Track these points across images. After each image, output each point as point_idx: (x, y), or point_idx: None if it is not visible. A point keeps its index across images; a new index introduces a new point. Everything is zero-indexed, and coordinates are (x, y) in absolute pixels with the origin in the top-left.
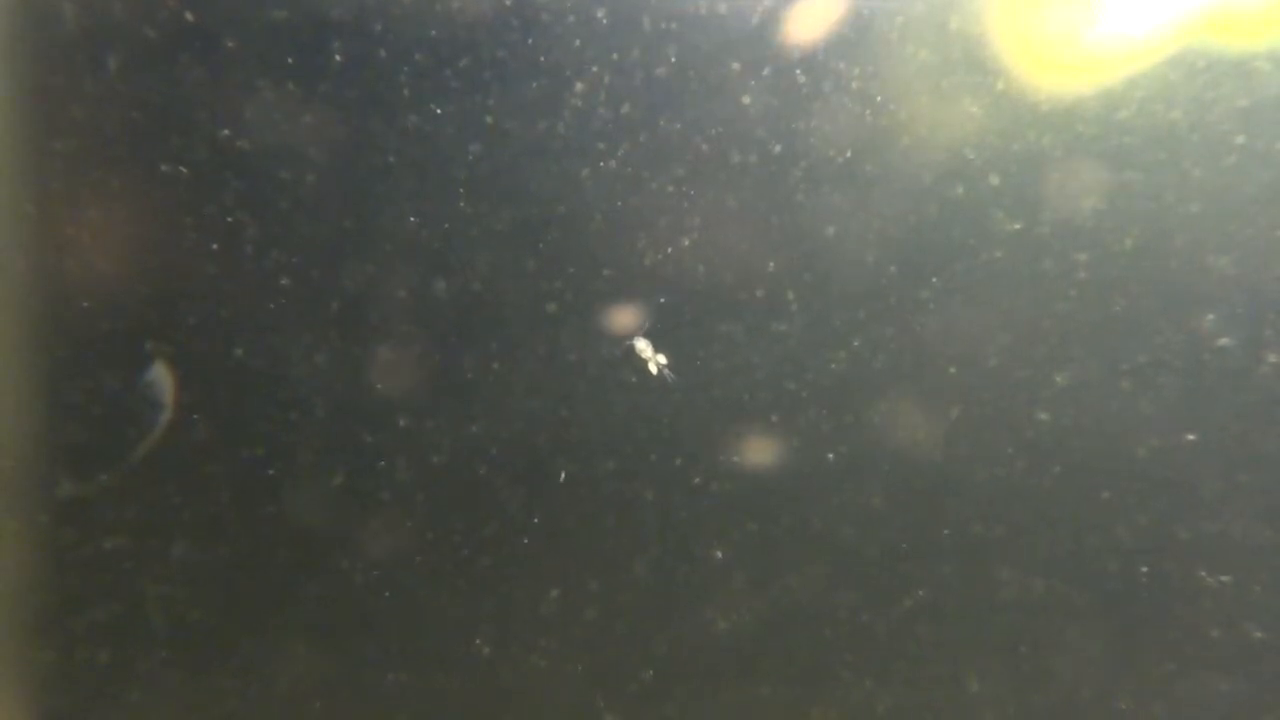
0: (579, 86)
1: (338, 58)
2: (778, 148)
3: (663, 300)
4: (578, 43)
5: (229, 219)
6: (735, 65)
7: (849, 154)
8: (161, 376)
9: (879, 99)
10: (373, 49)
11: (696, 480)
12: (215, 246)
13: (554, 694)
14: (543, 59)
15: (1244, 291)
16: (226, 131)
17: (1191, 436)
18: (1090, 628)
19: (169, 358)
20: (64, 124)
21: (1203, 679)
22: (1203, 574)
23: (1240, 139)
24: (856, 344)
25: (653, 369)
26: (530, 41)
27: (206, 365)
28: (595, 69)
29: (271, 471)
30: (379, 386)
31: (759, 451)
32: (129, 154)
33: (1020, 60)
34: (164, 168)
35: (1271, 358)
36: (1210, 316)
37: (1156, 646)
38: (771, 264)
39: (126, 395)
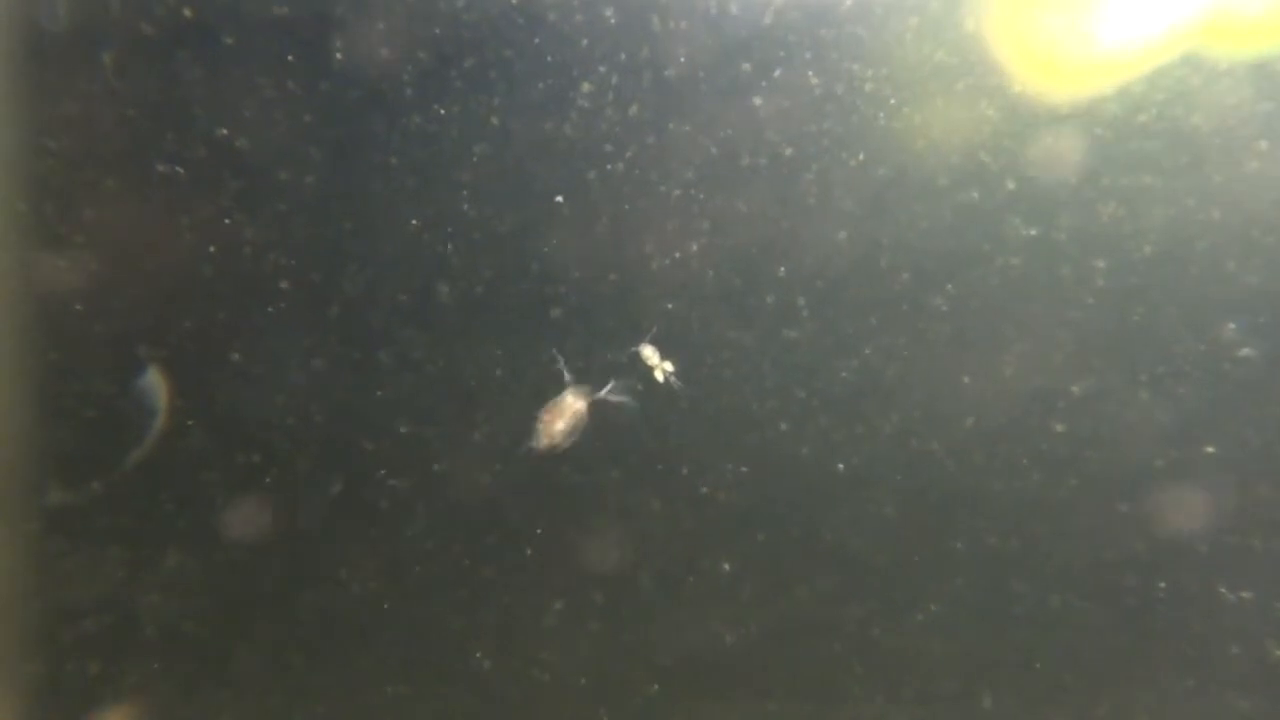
0: (586, 87)
1: (339, 56)
2: (789, 150)
3: (670, 306)
4: (585, 42)
5: (226, 220)
6: (746, 66)
7: (862, 157)
8: (155, 382)
9: (893, 102)
10: (375, 48)
11: (704, 490)
12: (212, 249)
13: (556, 708)
14: (549, 59)
15: (1267, 300)
16: (224, 131)
17: (1211, 449)
18: (1107, 643)
19: (163, 362)
20: (58, 121)
21: (1223, 697)
22: (1223, 590)
23: (1264, 144)
24: (868, 351)
25: (659, 376)
26: (536, 41)
27: (202, 370)
28: (603, 69)
29: (268, 479)
30: (379, 392)
31: (768, 461)
32: (124, 153)
33: (1038, 62)
34: (160, 167)
35: None
36: (1232, 325)
37: (1175, 663)
38: (782, 269)
39: (119, 401)
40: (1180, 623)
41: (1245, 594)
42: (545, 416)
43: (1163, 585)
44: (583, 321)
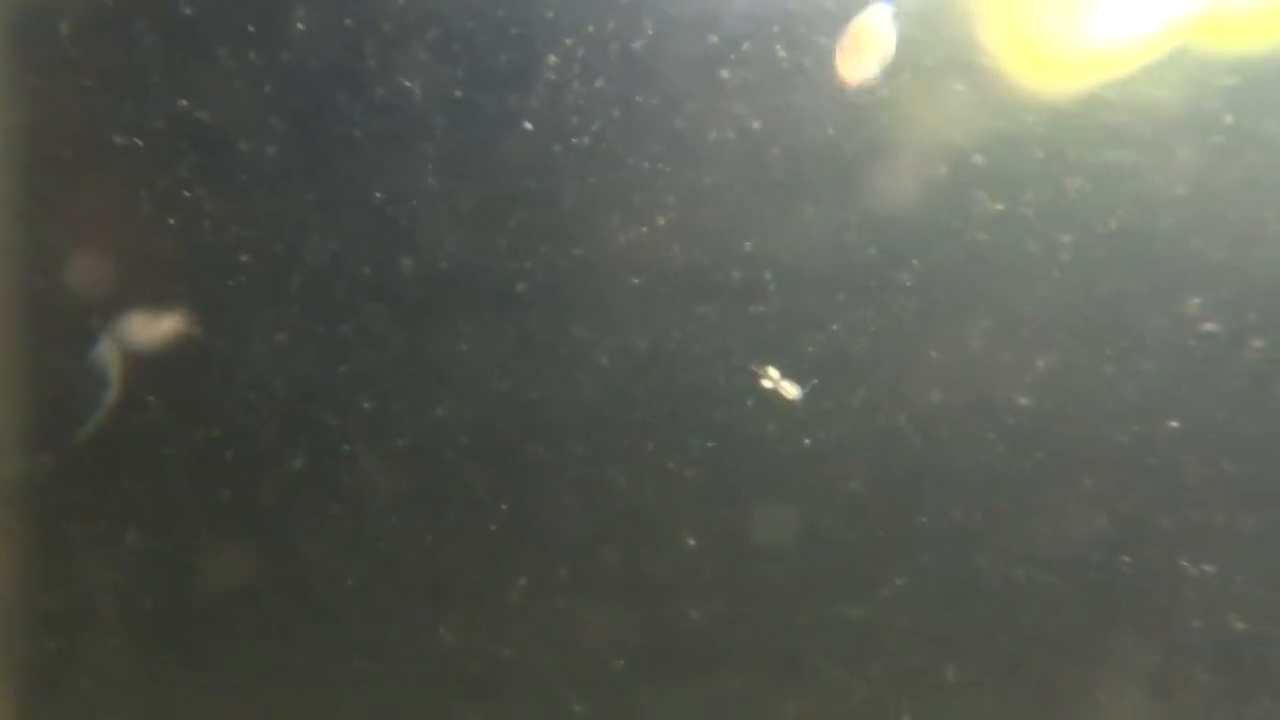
0: (552, 59)
1: (301, 26)
2: (756, 124)
3: (636, 281)
4: (550, 14)
5: (185, 193)
6: (714, 38)
7: (830, 131)
8: (109, 354)
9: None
10: (338, 19)
11: (670, 466)
12: (171, 221)
13: (521, 685)
14: (514, 30)
15: (1230, 276)
16: (184, 102)
17: (1175, 423)
18: (1070, 617)
19: (121, 336)
20: (15, 93)
21: (1184, 670)
22: (1185, 564)
23: (1229, 119)
24: (835, 327)
25: (784, 394)
26: (501, 13)
27: (162, 344)
28: (569, 41)
29: (229, 454)
30: (342, 368)
31: (734, 437)
32: (83, 124)
33: (1004, 38)
34: (118, 139)
35: (1257, 343)
36: (1196, 301)
37: (1137, 637)
38: (748, 245)
39: (73, 374)
40: (1143, 596)
41: (1207, 568)
42: (847, 44)
43: (1126, 559)
44: (548, 296)
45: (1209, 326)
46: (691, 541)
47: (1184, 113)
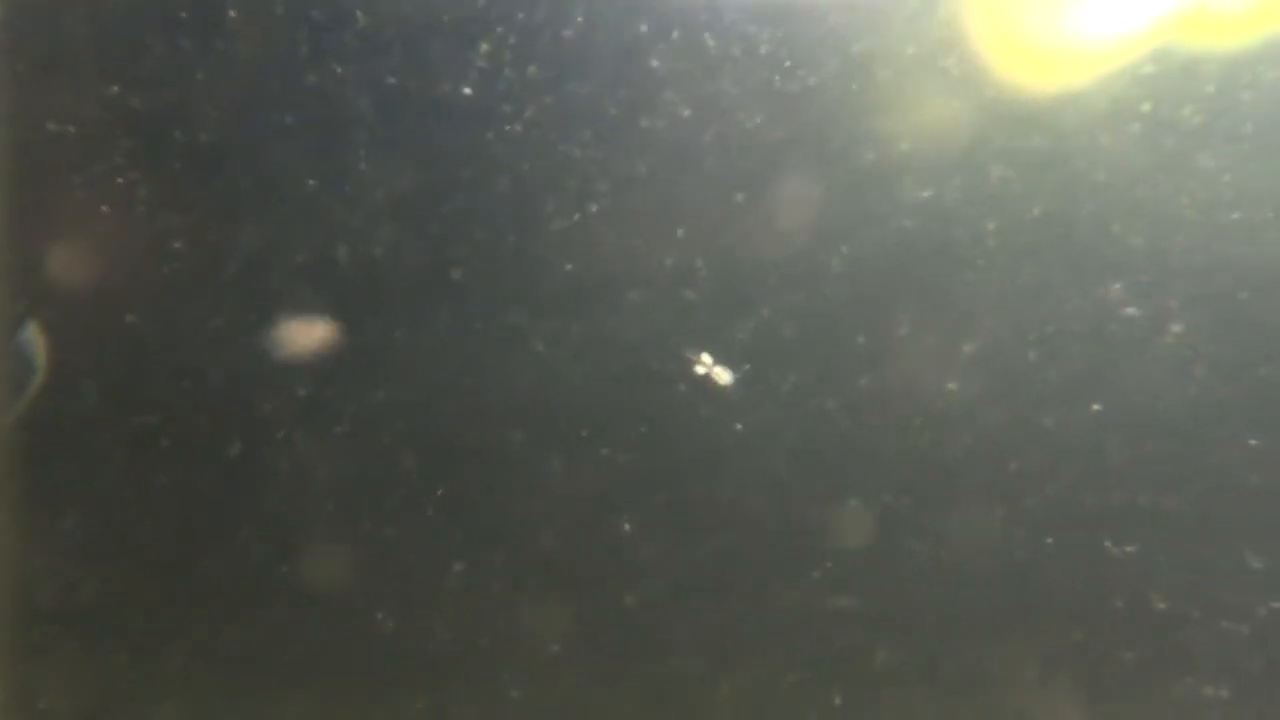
0: (484, 47)
1: (233, 13)
2: (687, 112)
3: (569, 267)
4: (482, 1)
5: (119, 179)
6: (643, 27)
7: (758, 120)
8: (34, 337)
9: (788, 64)
10: (270, 4)
11: (604, 451)
12: (105, 208)
13: (457, 668)
14: (446, 17)
15: (1150, 261)
16: (116, 88)
17: (1097, 406)
18: (997, 598)
19: (55, 322)
20: None
21: (1106, 649)
22: (1108, 544)
23: (1146, 106)
24: (765, 312)
25: (717, 379)
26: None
27: (96, 331)
28: (501, 29)
29: (165, 441)
30: (277, 354)
31: (666, 421)
32: (15, 108)
33: (926, 27)
34: (51, 125)
35: (1175, 328)
36: (1116, 286)
37: (1061, 616)
38: (680, 231)
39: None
40: (1067, 577)
41: (1129, 548)
42: None
43: (1050, 540)
44: (482, 282)
45: (1130, 311)
46: (626, 526)
47: (1103, 101)
